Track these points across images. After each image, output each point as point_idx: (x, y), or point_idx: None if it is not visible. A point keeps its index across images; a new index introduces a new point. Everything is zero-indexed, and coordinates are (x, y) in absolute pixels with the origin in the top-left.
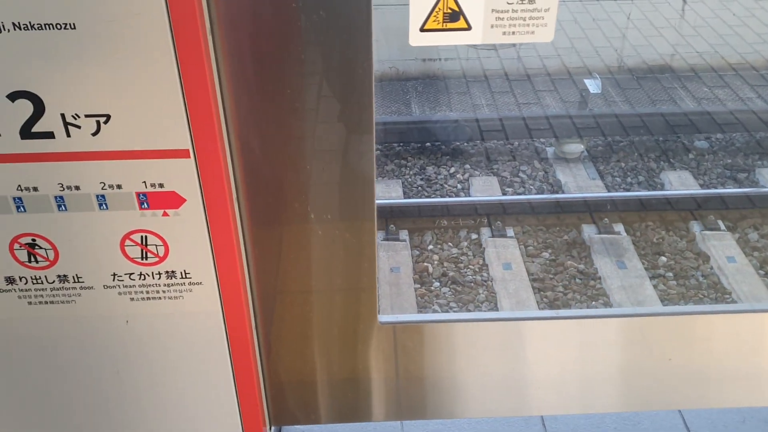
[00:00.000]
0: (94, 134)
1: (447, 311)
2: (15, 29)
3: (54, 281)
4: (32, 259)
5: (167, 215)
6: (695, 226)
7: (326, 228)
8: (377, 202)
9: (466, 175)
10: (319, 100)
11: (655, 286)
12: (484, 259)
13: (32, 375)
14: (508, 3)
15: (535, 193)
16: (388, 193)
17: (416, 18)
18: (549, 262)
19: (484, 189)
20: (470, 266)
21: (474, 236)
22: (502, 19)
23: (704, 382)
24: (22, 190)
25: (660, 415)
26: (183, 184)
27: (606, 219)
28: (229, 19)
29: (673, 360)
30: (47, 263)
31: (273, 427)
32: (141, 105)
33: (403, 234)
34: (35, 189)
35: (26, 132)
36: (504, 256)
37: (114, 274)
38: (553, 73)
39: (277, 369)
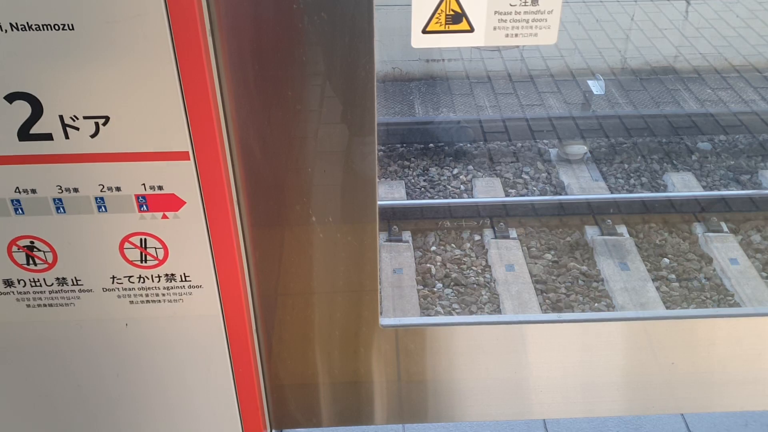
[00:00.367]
0: (92, 136)
1: (450, 313)
2: (13, 30)
3: (53, 284)
4: (31, 261)
5: (167, 218)
6: (698, 228)
7: (327, 230)
8: (380, 203)
9: (469, 177)
10: (321, 102)
11: (657, 288)
12: (487, 261)
13: (31, 377)
14: (511, 5)
15: (538, 195)
16: (391, 194)
17: (418, 19)
18: (552, 264)
19: (487, 190)
20: (473, 268)
21: (477, 237)
22: (505, 21)
23: (707, 385)
24: (20, 193)
25: (662, 419)
26: (182, 187)
27: (609, 221)
28: (229, 21)
29: (676, 364)
30: (46, 266)
31: (274, 431)
32: (140, 107)
33: (406, 235)
34: (33, 191)
35: (24, 133)
36: (507, 257)
37: (113, 277)
38: (556, 74)
39: (277, 372)
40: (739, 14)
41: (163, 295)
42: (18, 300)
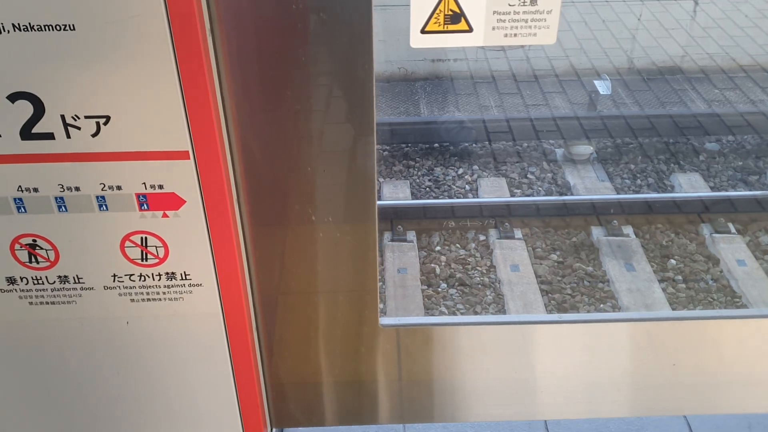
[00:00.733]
0: (93, 135)
1: (454, 313)
2: (15, 30)
3: (55, 282)
4: (33, 259)
5: (167, 216)
6: (705, 229)
7: (327, 230)
8: (384, 203)
9: (474, 176)
10: (320, 102)
11: (664, 290)
12: (491, 261)
13: (33, 375)
14: (510, 5)
15: (544, 195)
16: (396, 193)
17: (417, 19)
18: (557, 264)
19: (493, 190)
20: (478, 268)
21: (482, 237)
22: (504, 21)
23: (710, 387)
24: (22, 191)
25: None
26: (183, 186)
27: (615, 221)
28: (229, 20)
29: (679, 365)
30: (48, 264)
31: (274, 430)
32: (141, 106)
33: (411, 235)
34: (35, 190)
35: (26, 133)
36: (512, 257)
37: (114, 275)
38: (561, 74)
39: (278, 371)
40: (747, 14)
41: (164, 293)
42: (21, 298)
